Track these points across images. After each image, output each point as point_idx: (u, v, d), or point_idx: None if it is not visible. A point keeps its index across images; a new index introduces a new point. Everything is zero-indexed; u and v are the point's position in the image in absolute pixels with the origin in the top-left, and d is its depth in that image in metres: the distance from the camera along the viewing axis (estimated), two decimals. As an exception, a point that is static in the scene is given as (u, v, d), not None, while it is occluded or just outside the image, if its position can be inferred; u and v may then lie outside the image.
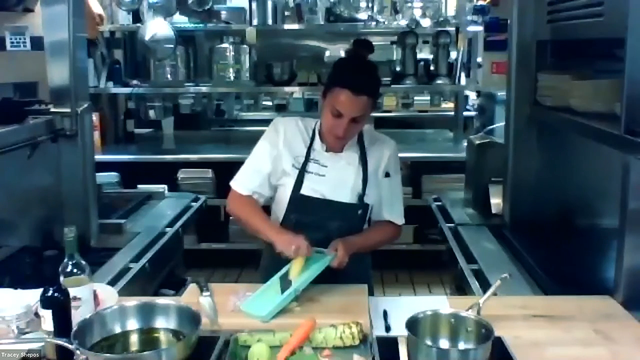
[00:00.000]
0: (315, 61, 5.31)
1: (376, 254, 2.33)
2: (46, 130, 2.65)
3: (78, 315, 1.59)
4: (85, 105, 2.72)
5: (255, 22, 4.95)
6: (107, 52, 5.06)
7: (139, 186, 3.68)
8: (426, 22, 4.79)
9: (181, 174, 4.56)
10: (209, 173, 4.57)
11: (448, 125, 5.63)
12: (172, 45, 4.72)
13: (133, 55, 5.38)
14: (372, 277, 2.31)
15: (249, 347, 1.61)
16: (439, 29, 4.93)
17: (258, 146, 2.15)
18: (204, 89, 5.05)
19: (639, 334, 1.77)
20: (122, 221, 2.93)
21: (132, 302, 1.69)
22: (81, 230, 1.80)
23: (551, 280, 2.17)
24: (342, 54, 4.94)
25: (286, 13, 5.03)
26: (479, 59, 4.87)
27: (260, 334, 1.66)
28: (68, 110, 2.65)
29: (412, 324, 1.58)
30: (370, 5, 4.95)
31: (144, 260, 2.53)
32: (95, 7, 4.72)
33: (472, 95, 5.49)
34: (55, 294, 1.54)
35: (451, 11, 5.00)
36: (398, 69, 5.00)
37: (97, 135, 4.25)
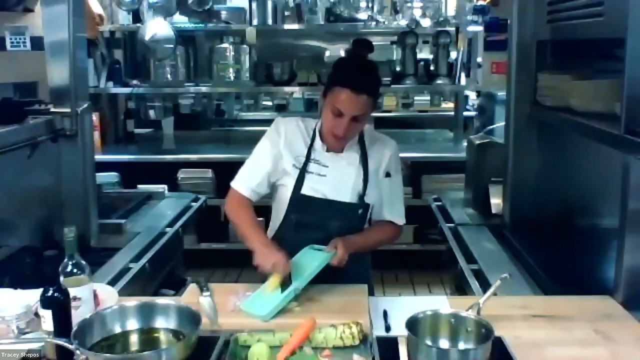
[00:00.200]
0: (315, 61, 5.30)
1: (376, 254, 2.33)
2: (46, 130, 2.65)
3: (78, 315, 1.59)
4: (85, 105, 2.72)
5: (255, 22, 4.95)
6: (107, 52, 5.07)
7: (139, 186, 3.68)
8: (426, 22, 4.79)
9: (181, 174, 4.56)
10: (209, 173, 4.57)
11: (448, 125, 5.62)
12: (172, 45, 4.72)
13: (133, 55, 5.38)
14: (372, 277, 2.31)
15: (249, 347, 1.61)
16: (439, 29, 4.93)
17: (259, 146, 2.15)
18: (204, 89, 5.05)
19: (639, 334, 1.77)
20: (122, 221, 2.93)
21: (132, 302, 1.69)
22: (81, 230, 1.80)
23: (551, 280, 2.17)
24: (342, 53, 4.94)
25: (286, 13, 5.03)
26: (479, 59, 4.87)
27: (260, 334, 1.66)
28: (68, 110, 2.65)
29: (412, 324, 1.58)
30: (370, 5, 4.95)
31: (144, 260, 2.53)
32: (95, 7, 4.72)
33: (472, 95, 5.50)
34: (55, 294, 1.54)
35: (451, 11, 4.99)
36: (398, 69, 5.00)
37: (97, 135, 4.25)
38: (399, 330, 1.63)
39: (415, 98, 5.18)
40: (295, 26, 5.04)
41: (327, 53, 5.31)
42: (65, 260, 1.62)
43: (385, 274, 4.48)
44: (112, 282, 2.21)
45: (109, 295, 1.87)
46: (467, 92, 5.32)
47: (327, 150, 2.10)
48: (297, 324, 1.69)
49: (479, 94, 5.01)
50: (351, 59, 2.18)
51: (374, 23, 4.96)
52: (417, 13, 4.79)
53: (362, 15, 4.95)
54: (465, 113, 5.38)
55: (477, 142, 3.32)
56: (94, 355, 1.48)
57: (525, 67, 2.73)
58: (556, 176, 2.72)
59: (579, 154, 2.67)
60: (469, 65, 5.04)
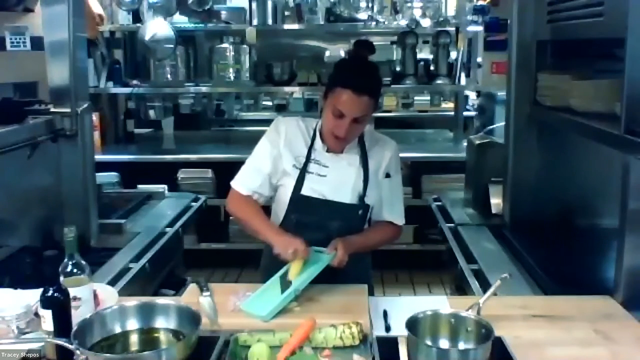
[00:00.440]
0: (315, 61, 5.30)
1: (376, 254, 2.33)
2: (46, 130, 2.65)
3: (78, 315, 1.59)
4: (85, 105, 2.72)
5: (255, 22, 4.95)
6: (107, 52, 5.06)
7: (139, 186, 3.68)
8: (426, 22, 4.79)
9: (181, 174, 4.56)
10: (209, 173, 4.57)
11: (448, 125, 5.62)
12: (172, 45, 4.73)
13: (133, 55, 5.38)
14: (372, 277, 2.31)
15: (249, 347, 1.61)
16: (439, 29, 4.93)
17: (259, 146, 2.15)
18: (204, 89, 5.05)
19: (639, 334, 1.77)
20: (122, 221, 2.93)
21: (132, 302, 1.69)
22: (81, 230, 1.80)
23: (551, 280, 2.17)
24: (342, 54, 4.97)
25: (286, 13, 5.03)
26: (479, 59, 4.87)
27: (260, 334, 1.66)
28: (68, 110, 2.65)
29: (412, 324, 1.58)
30: (370, 5, 4.95)
31: (144, 260, 2.53)
32: (95, 7, 4.72)
33: (472, 95, 5.50)
34: (55, 294, 1.54)
35: (451, 11, 5.00)
36: (398, 69, 5.00)
37: (97, 135, 4.25)
38: (399, 330, 1.63)
39: (415, 98, 5.18)
40: (295, 26, 5.04)
41: (327, 53, 5.30)
42: (65, 260, 1.62)
43: (385, 274, 4.48)
44: (112, 282, 2.20)
45: (109, 295, 1.87)
46: (467, 92, 5.32)
47: (328, 151, 2.10)
48: (297, 324, 1.69)
49: (479, 94, 5.01)
50: (352, 59, 2.19)
51: (374, 23, 4.96)
52: (417, 13, 4.79)
53: (362, 16, 4.95)
54: (465, 113, 5.38)
55: (477, 142, 3.32)
56: (94, 355, 1.48)
57: (525, 67, 2.73)
58: (556, 176, 2.72)
59: (579, 154, 2.67)
60: (469, 65, 5.04)
